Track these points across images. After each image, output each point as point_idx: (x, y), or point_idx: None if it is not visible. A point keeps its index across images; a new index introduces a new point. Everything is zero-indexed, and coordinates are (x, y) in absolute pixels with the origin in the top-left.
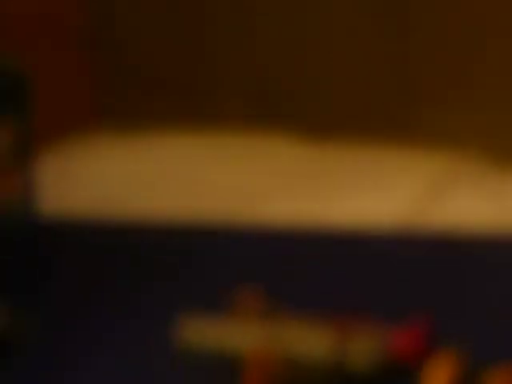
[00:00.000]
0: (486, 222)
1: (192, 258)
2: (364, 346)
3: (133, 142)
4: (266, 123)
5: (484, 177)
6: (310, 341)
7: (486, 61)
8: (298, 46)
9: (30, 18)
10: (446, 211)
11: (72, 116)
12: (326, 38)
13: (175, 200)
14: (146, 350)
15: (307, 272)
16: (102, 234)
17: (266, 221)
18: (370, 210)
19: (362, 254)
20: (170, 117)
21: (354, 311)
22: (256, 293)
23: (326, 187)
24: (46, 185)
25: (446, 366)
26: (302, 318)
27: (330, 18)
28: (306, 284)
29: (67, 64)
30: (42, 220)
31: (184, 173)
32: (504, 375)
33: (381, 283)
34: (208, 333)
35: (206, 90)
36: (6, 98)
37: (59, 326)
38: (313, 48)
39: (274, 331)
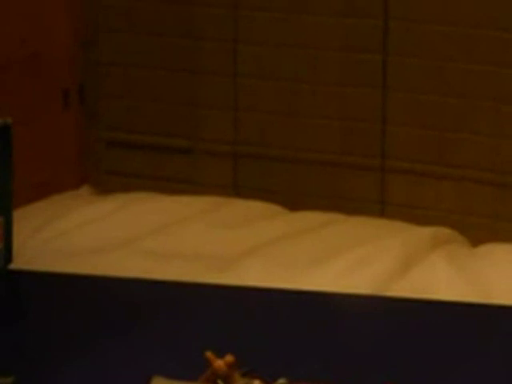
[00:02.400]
0: (457, 294)
1: (164, 313)
2: None
3: (110, 202)
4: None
5: (456, 251)
6: None
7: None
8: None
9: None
10: (417, 282)
11: (56, 173)
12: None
13: (149, 260)
14: None
15: (279, 336)
16: (71, 286)
17: (237, 284)
18: (341, 280)
19: (334, 320)
20: (153, 178)
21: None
22: (231, 357)
23: (302, 253)
24: (23, 237)
25: None
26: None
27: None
28: (278, 348)
29: (53, 120)
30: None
31: (159, 236)
32: None
33: (351, 350)
34: None
35: (190, 154)
36: None
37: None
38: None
39: None
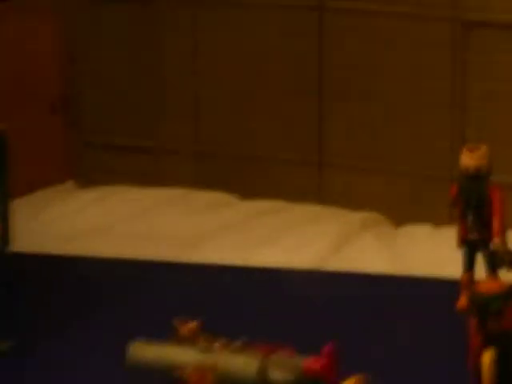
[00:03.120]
0: (382, 267)
1: (139, 289)
2: (284, 366)
3: (90, 194)
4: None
5: (382, 232)
6: (239, 362)
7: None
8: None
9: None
10: (350, 258)
11: (45, 172)
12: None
13: (125, 243)
14: (96, 371)
15: (239, 306)
16: (59, 266)
17: (202, 262)
18: (287, 258)
19: (282, 291)
20: (127, 174)
21: (278, 341)
22: (195, 323)
23: (253, 237)
24: (18, 224)
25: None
26: (234, 344)
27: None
28: (237, 315)
29: (42, 126)
30: (13, 252)
31: (133, 222)
32: None
33: (297, 315)
34: (154, 355)
35: (157, 154)
36: None
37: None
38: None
39: (210, 354)
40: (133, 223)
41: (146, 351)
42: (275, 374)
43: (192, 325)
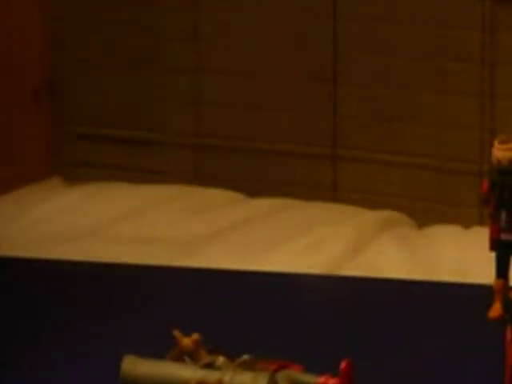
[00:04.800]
0: (405, 272)
1: (135, 295)
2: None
3: (79, 192)
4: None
5: (404, 233)
6: (246, 379)
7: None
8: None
9: None
10: (369, 262)
11: (28, 166)
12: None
13: (117, 246)
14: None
15: (243, 315)
16: (44, 271)
17: (203, 267)
18: (298, 262)
19: (291, 300)
20: (120, 169)
21: (286, 356)
22: (197, 334)
23: (260, 239)
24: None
25: None
26: (239, 359)
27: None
28: (242, 326)
29: (24, 115)
30: None
31: (127, 222)
32: None
33: (309, 326)
34: (151, 370)
35: (155, 146)
36: None
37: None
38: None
39: (213, 370)
40: (127, 224)
41: (142, 366)
42: None
43: (195, 336)
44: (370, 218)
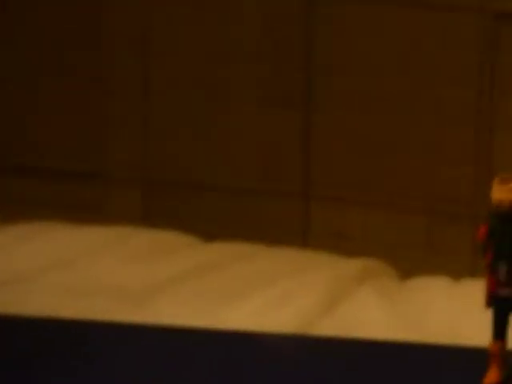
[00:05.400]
0: (388, 331)
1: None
2: None
3: (11, 232)
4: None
5: (385, 285)
6: None
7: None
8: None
9: None
10: (345, 319)
11: None
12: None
13: (55, 299)
14: None
15: (195, 377)
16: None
17: (148, 323)
18: (263, 318)
19: (255, 362)
20: (61, 206)
21: None
22: None
23: (219, 287)
24: None
25: None
26: None
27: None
28: None
29: None
30: None
31: (64, 269)
32: None
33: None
34: None
35: (97, 180)
36: None
37: None
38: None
39: None
40: (66, 271)
41: None
42: None
43: None
44: (345, 267)
